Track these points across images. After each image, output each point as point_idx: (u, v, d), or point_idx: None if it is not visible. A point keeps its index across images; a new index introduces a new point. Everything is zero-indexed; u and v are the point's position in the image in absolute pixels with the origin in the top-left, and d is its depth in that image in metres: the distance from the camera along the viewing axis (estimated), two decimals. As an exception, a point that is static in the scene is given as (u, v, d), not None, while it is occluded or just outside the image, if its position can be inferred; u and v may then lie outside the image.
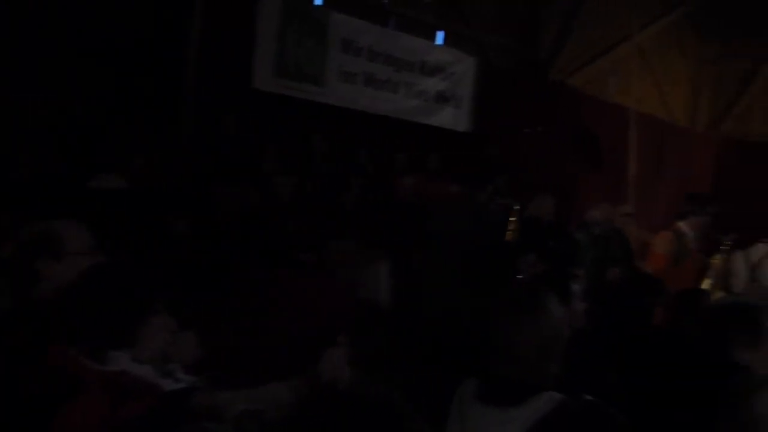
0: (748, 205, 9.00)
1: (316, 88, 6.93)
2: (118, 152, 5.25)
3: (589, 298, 2.96)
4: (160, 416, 1.44)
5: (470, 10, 9.33)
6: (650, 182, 9.68)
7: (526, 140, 8.19)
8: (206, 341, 1.43)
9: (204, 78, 6.00)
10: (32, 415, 1.46)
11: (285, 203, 5.42)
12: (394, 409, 0.98)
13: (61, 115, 5.53)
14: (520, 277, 4.50)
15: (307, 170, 6.28)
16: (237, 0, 6.50)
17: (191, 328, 1.55)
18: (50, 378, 1.50)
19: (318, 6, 7.08)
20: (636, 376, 2.36)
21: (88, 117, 5.62)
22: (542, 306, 1.65)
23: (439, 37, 8.62)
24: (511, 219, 5.03)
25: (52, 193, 4.24)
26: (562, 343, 1.65)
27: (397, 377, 1.84)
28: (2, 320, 1.85)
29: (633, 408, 1.82)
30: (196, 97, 5.95)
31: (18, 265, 1.97)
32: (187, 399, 1.49)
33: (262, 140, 6.22)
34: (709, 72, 12.67)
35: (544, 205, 5.66)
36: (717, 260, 5.12)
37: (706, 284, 4.89)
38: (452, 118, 8.28)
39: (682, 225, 5.10)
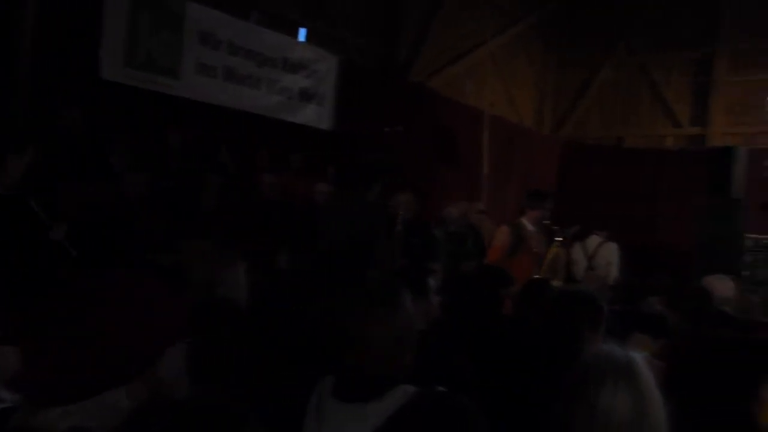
0: (587, 201, 9.88)
1: (171, 80, 6.58)
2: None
3: (445, 291, 3.08)
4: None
5: (334, 9, 9.37)
6: (501, 181, 10.29)
7: (388, 139, 8.37)
8: (29, 355, 1.30)
9: (42, 68, 5.48)
10: None
11: (135, 202, 5.12)
12: (230, 417, 0.95)
13: None
14: (375, 272, 4.60)
15: (161, 167, 5.97)
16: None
17: (11, 341, 1.41)
18: None
19: (173, -6, 6.74)
20: (485, 366, 2.49)
21: None
22: (395, 299, 1.67)
23: (302, 34, 8.58)
24: (391, 219, 5.14)
25: None
26: (415, 335, 1.69)
27: (248, 378, 1.79)
28: None
29: (485, 398, 1.89)
30: (33, 88, 5.41)
31: None
32: (5, 420, 1.36)
33: (112, 134, 5.82)
34: (553, 79, 13.74)
35: (404, 202, 5.82)
36: (552, 252, 5.56)
37: (542, 273, 5.29)
38: (315, 115, 8.24)
39: (523, 219, 5.47)
